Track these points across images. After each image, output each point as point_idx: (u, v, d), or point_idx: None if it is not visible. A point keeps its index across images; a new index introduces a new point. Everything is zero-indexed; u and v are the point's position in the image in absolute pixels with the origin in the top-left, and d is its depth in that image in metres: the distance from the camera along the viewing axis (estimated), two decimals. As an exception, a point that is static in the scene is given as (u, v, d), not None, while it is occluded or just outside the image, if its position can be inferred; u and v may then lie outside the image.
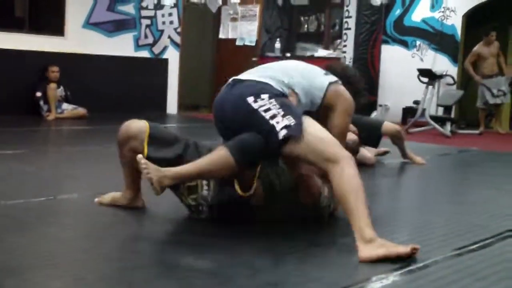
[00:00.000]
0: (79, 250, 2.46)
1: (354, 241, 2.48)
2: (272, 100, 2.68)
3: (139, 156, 2.63)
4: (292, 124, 2.60)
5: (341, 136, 2.90)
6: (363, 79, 3.36)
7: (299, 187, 2.99)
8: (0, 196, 3.32)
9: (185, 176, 2.68)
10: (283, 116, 2.62)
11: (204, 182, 2.88)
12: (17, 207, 3.12)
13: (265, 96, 2.69)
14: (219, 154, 2.66)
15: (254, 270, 2.26)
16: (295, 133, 2.59)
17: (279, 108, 2.65)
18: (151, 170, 2.57)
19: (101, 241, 2.61)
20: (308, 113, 2.84)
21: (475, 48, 9.57)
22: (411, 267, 2.37)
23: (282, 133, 2.59)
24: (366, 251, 2.42)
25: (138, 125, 2.95)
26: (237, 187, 2.81)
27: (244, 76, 2.88)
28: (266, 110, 2.65)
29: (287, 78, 2.84)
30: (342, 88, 2.99)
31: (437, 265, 2.43)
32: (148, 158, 2.73)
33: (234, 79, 2.87)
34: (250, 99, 2.69)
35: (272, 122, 2.62)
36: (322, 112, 2.95)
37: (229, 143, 2.69)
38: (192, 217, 2.98)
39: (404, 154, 5.45)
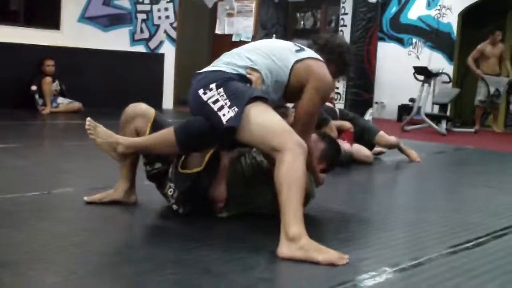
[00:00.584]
0: (73, 245, 2.45)
1: (348, 238, 2.48)
2: (220, 89, 2.60)
3: (89, 118, 2.82)
4: (233, 115, 2.52)
5: (305, 118, 2.75)
6: (350, 47, 3.16)
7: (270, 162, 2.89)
8: (-6, 190, 3.31)
9: (136, 146, 2.85)
10: (230, 107, 2.54)
11: (170, 169, 2.94)
12: (11, 202, 3.10)
13: (212, 86, 2.62)
14: (165, 131, 2.78)
15: (247, 267, 2.26)
16: (234, 123, 2.52)
17: (225, 99, 2.57)
18: (99, 133, 2.81)
19: (95, 235, 2.60)
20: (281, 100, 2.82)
21: (480, 46, 9.56)
22: (404, 265, 2.37)
23: (226, 124, 2.53)
24: (285, 249, 2.35)
25: (146, 106, 3.05)
26: (179, 167, 2.86)
27: (208, 67, 2.80)
28: (215, 102, 2.59)
29: (247, 60, 2.72)
30: (315, 65, 2.77)
31: (431, 263, 2.44)
32: None
33: (196, 72, 2.82)
34: (201, 92, 2.65)
35: (220, 114, 2.56)
36: (296, 95, 2.79)
37: (179, 123, 2.78)
38: (186, 215, 2.97)
39: (400, 150, 5.45)
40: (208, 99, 2.61)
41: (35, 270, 2.12)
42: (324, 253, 2.32)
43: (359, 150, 5.09)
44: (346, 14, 8.90)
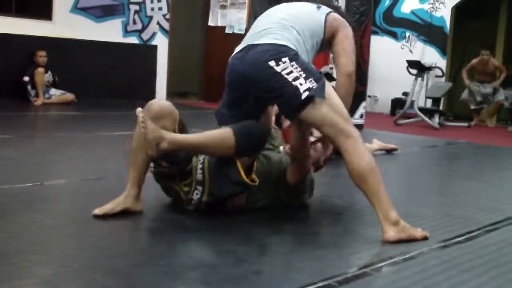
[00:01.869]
0: (65, 237, 2.45)
1: (340, 231, 2.48)
2: (293, 62, 2.65)
3: (139, 109, 2.56)
4: (314, 86, 2.61)
5: (347, 77, 2.85)
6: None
7: (292, 163, 3.00)
8: (-14, 181, 3.30)
9: (182, 144, 2.67)
10: (305, 78, 2.62)
11: (199, 165, 2.85)
12: (3, 193, 3.09)
13: (286, 59, 2.65)
14: (222, 132, 2.68)
15: (238, 259, 2.26)
16: (318, 94, 2.61)
17: (300, 71, 2.63)
18: (148, 126, 2.54)
19: (88, 227, 2.60)
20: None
21: (473, 61, 9.62)
22: (396, 259, 2.38)
23: (304, 95, 2.60)
24: (392, 232, 2.57)
25: (170, 104, 2.85)
26: (241, 170, 2.73)
27: (256, 39, 2.76)
28: (289, 73, 2.63)
29: (295, 33, 2.77)
30: (338, 16, 2.95)
31: (422, 257, 2.45)
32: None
33: (248, 45, 2.76)
34: (272, 63, 2.64)
35: (295, 83, 2.61)
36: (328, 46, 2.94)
37: (235, 125, 2.69)
38: (178, 208, 2.97)
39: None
40: (282, 70, 2.63)
41: (27, 261, 2.11)
42: (418, 232, 2.66)
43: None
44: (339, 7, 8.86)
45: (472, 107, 9.50)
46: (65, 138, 5.40)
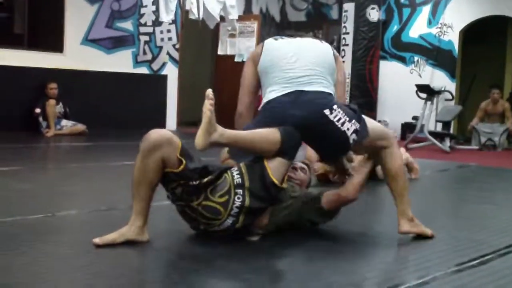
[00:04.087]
0: (76, 268, 2.45)
1: (352, 255, 2.46)
2: (339, 109, 2.96)
3: (210, 90, 2.69)
4: (358, 127, 2.96)
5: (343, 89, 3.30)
6: None
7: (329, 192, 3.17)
8: (-2, 213, 3.31)
9: (231, 137, 2.78)
10: (349, 121, 2.95)
11: (235, 172, 2.86)
12: (15, 224, 3.10)
13: (335, 107, 2.95)
14: (268, 130, 2.85)
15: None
16: (363, 135, 2.98)
17: (344, 115, 2.95)
18: (210, 112, 2.66)
19: (99, 258, 2.59)
20: None
21: (482, 104, 9.62)
22: (409, 284, 2.36)
23: (352, 137, 2.95)
24: (406, 226, 3.06)
25: (170, 133, 2.82)
26: (272, 176, 2.84)
27: (303, 86, 2.99)
28: (338, 120, 2.93)
29: (329, 77, 3.08)
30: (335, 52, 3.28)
31: (436, 282, 2.42)
32: (185, 169, 2.73)
33: (297, 90, 2.97)
34: (327, 111, 2.93)
35: (344, 128, 2.93)
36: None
37: (278, 127, 2.87)
38: (187, 238, 2.94)
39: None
40: (334, 118, 2.93)
41: (38, 293, 2.11)
42: (428, 230, 3.14)
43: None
44: (347, 33, 8.94)
45: (477, 146, 9.34)
46: (76, 169, 5.42)
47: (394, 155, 3.07)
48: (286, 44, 3.16)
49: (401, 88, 10.62)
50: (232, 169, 2.90)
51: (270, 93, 3.01)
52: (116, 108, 9.32)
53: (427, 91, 9.24)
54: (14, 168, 5.13)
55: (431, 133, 8.92)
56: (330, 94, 3.02)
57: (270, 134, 2.84)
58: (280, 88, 2.99)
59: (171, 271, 2.52)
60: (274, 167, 2.86)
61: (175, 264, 2.61)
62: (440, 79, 10.44)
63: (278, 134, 2.83)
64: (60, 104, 8.40)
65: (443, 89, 9.98)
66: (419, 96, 9.59)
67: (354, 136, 2.95)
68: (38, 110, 8.16)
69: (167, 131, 2.86)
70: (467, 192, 5.21)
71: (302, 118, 2.90)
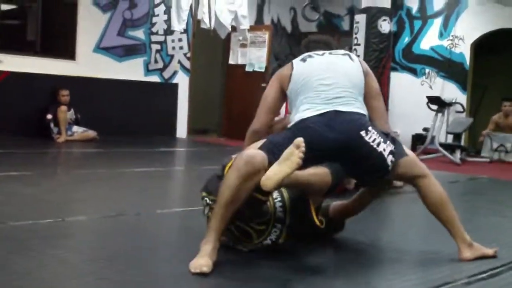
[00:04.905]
0: (84, 273, 2.45)
1: (361, 268, 2.45)
2: (374, 130, 2.91)
3: (301, 139, 2.57)
4: (394, 149, 2.93)
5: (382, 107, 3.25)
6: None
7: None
8: (8, 217, 3.32)
9: (294, 179, 2.65)
10: (384, 142, 2.90)
11: (278, 204, 2.85)
12: (25, 229, 3.12)
13: (370, 128, 2.91)
14: (322, 169, 2.78)
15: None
16: (401, 156, 2.95)
17: (379, 136, 2.90)
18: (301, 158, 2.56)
19: (108, 264, 2.60)
20: None
21: (494, 118, 9.59)
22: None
23: (389, 159, 2.90)
24: (469, 253, 2.97)
25: (263, 156, 2.68)
26: (315, 218, 2.81)
27: (336, 106, 2.93)
28: (373, 140, 2.88)
29: (360, 98, 3.04)
30: (363, 62, 3.28)
31: (445, 293, 2.41)
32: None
33: (331, 111, 2.90)
34: (363, 133, 2.88)
35: (380, 149, 2.88)
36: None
37: (327, 164, 2.81)
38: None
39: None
40: (369, 139, 2.88)
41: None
42: (489, 250, 3.05)
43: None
44: (358, 44, 8.94)
45: (487, 155, 9.30)
46: (86, 175, 5.44)
47: (434, 183, 3.03)
48: (316, 65, 3.06)
49: (412, 99, 10.60)
50: (276, 197, 2.86)
51: (304, 112, 2.90)
52: (126, 115, 9.36)
53: (438, 103, 9.21)
54: (25, 173, 5.15)
55: (441, 144, 8.89)
56: (364, 115, 2.98)
57: (324, 176, 2.77)
58: (314, 107, 2.91)
59: (179, 277, 2.52)
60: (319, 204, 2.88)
61: (183, 270, 2.60)
62: (451, 91, 10.41)
63: (330, 176, 2.77)
64: (72, 110, 8.44)
65: (454, 101, 9.95)
66: (430, 108, 9.56)
67: (391, 157, 2.90)
68: (49, 116, 8.21)
69: (261, 153, 2.70)
70: (477, 205, 5.18)
71: (338, 141, 2.83)
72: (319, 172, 2.76)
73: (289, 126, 2.98)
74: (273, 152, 2.69)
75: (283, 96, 3.08)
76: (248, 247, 2.87)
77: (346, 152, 2.84)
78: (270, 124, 3.12)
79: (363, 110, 3.00)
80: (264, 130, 3.06)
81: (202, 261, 2.52)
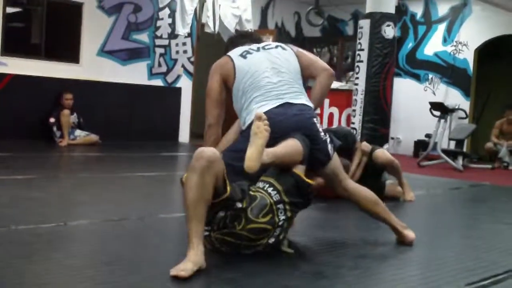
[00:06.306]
0: (86, 277, 2.45)
1: (362, 274, 2.45)
2: (317, 121, 3.16)
3: (258, 111, 2.85)
4: (327, 138, 3.15)
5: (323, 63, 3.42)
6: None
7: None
8: (10, 221, 3.33)
9: (275, 155, 2.82)
10: (324, 134, 3.14)
11: (268, 189, 2.91)
12: (27, 233, 3.12)
13: (317, 119, 3.18)
14: (291, 141, 2.94)
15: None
16: (336, 144, 3.20)
17: (320, 126, 3.16)
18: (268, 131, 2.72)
19: (109, 269, 2.60)
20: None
21: (498, 123, 9.60)
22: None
23: (330, 147, 3.14)
24: (412, 233, 3.34)
25: (212, 149, 2.72)
26: (306, 179, 2.98)
27: (288, 99, 3.11)
28: (319, 127, 3.14)
29: (302, 87, 3.23)
30: (293, 46, 3.42)
31: (446, 301, 2.41)
32: (231, 190, 2.74)
33: (287, 102, 3.10)
34: (315, 120, 3.14)
35: (325, 137, 3.13)
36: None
37: (294, 135, 2.97)
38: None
39: (400, 184, 5.35)
40: (318, 126, 3.13)
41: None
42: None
43: (394, 187, 5.18)
44: (362, 50, 8.95)
45: (507, 159, 9.31)
46: (88, 179, 5.45)
47: (357, 188, 3.28)
48: (258, 62, 3.20)
49: (414, 105, 10.60)
50: (264, 186, 2.92)
51: (261, 108, 3.04)
52: (129, 119, 9.38)
53: (441, 109, 9.22)
54: (28, 177, 5.16)
55: (444, 151, 8.89)
56: (311, 108, 3.19)
57: (296, 145, 2.94)
58: (269, 102, 3.08)
59: (183, 282, 2.52)
60: (302, 172, 2.99)
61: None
62: (454, 97, 10.41)
63: (299, 143, 2.95)
64: (75, 114, 8.46)
65: (457, 107, 9.95)
66: (432, 114, 9.56)
67: (331, 146, 3.16)
68: (52, 120, 8.23)
69: (213, 148, 2.80)
70: (479, 211, 5.17)
71: (297, 124, 3.03)
72: (290, 143, 2.94)
73: (243, 128, 3.13)
74: (238, 159, 2.78)
75: (226, 87, 3.32)
76: (261, 246, 2.89)
77: (304, 133, 3.04)
78: (221, 115, 3.36)
79: (309, 102, 3.20)
80: (217, 124, 3.36)
81: (182, 266, 2.50)
